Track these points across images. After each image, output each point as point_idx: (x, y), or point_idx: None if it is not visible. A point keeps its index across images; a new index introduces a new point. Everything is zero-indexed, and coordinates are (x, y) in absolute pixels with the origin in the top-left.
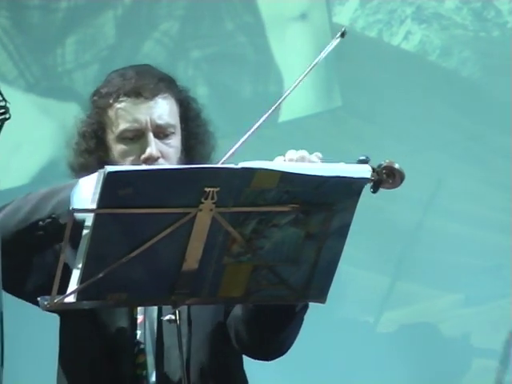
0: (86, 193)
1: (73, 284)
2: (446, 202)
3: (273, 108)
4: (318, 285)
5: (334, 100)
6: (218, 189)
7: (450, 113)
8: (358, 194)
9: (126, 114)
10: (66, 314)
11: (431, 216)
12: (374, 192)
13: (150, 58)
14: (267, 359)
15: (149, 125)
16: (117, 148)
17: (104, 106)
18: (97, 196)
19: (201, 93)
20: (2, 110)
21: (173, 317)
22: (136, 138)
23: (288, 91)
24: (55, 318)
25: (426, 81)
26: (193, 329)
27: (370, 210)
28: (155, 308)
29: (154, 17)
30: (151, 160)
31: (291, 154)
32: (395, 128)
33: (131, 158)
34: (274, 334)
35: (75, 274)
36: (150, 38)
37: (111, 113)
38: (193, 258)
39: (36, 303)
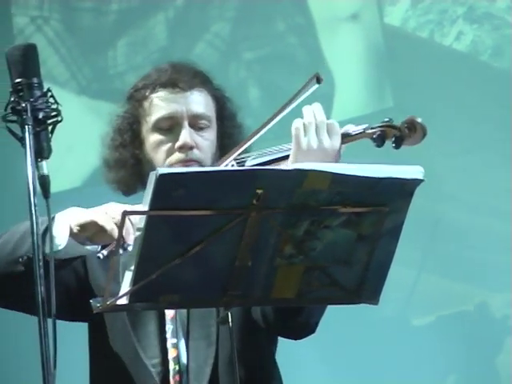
0: (57, 231)
1: (125, 286)
2: (496, 202)
3: (244, 146)
4: (370, 286)
5: (386, 100)
6: (269, 190)
7: (501, 113)
8: (411, 194)
9: (161, 103)
10: (96, 319)
11: (480, 216)
12: (397, 148)
13: (202, 59)
14: (296, 337)
15: (185, 114)
16: (151, 138)
17: (140, 99)
18: (149, 198)
19: (252, 94)
20: (54, 113)
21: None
22: (171, 127)
23: (262, 130)
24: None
25: (478, 81)
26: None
27: (419, 211)
28: None
29: (206, 18)
30: (185, 148)
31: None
32: (446, 128)
33: (165, 148)
34: (299, 308)
35: (127, 276)
36: (202, 40)
37: (146, 104)
38: (245, 260)
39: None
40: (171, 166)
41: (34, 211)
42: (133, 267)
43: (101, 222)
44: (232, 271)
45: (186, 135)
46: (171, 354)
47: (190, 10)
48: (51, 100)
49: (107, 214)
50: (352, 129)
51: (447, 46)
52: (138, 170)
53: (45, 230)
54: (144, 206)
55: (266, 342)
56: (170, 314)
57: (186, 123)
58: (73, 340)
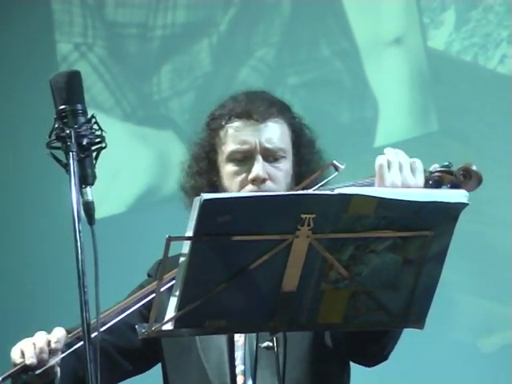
0: None
1: (170, 311)
2: None
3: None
4: (416, 310)
5: (431, 124)
6: (314, 215)
7: None
8: (456, 218)
9: (235, 135)
10: (167, 351)
11: None
12: None
13: (247, 85)
14: (369, 365)
15: (257, 147)
16: (226, 169)
17: (216, 128)
18: (193, 223)
19: None
20: (99, 139)
21: (270, 344)
22: (245, 159)
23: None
24: None
25: None
26: (288, 347)
27: (471, 235)
28: None
29: (250, 44)
30: (258, 181)
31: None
32: (492, 151)
33: (239, 179)
34: (375, 338)
35: (172, 302)
36: (246, 65)
37: (222, 134)
38: (290, 285)
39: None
40: None
41: (78, 238)
42: (177, 292)
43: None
44: (278, 296)
45: (258, 168)
46: (239, 380)
47: (234, 36)
48: (95, 126)
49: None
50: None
51: (491, 69)
52: None
53: None
54: (188, 232)
55: (338, 370)
56: (239, 340)
57: (258, 156)
58: None
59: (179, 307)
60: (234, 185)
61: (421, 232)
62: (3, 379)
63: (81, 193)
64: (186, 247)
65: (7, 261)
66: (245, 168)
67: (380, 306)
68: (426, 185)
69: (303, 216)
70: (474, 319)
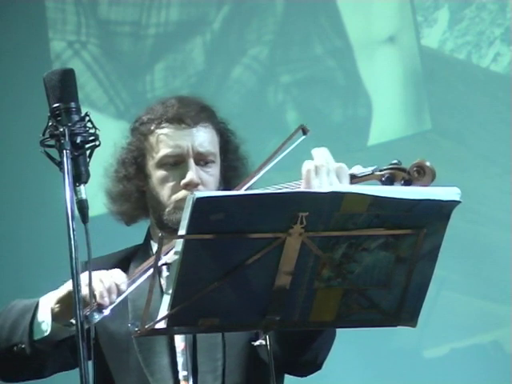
0: (43, 316)
1: (163, 310)
2: None
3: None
4: (409, 308)
5: (424, 123)
6: (307, 213)
7: None
8: (448, 216)
9: (167, 139)
10: (103, 350)
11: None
12: None
13: (240, 83)
14: (303, 374)
15: (190, 151)
16: (157, 174)
17: (145, 133)
18: (186, 222)
19: (290, 117)
20: (92, 137)
21: (263, 342)
22: (177, 163)
23: (255, 177)
24: None
25: None
26: (227, 351)
27: (464, 234)
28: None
29: (243, 42)
30: (191, 186)
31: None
32: (485, 150)
33: (171, 184)
34: (305, 345)
35: (165, 300)
36: (239, 64)
37: (152, 139)
38: (283, 283)
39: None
40: (177, 202)
41: (72, 236)
42: (171, 291)
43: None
44: (271, 294)
45: (192, 173)
46: None
47: (227, 34)
48: (89, 124)
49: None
50: (360, 170)
51: (484, 67)
52: (142, 203)
53: (32, 318)
54: (181, 230)
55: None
56: (180, 346)
57: (191, 160)
58: None
59: (172, 305)
60: (165, 190)
61: (413, 230)
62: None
63: (74, 191)
64: (178, 246)
65: (0, 259)
66: (177, 173)
67: (372, 304)
68: (381, 182)
69: (296, 214)
70: (469, 318)
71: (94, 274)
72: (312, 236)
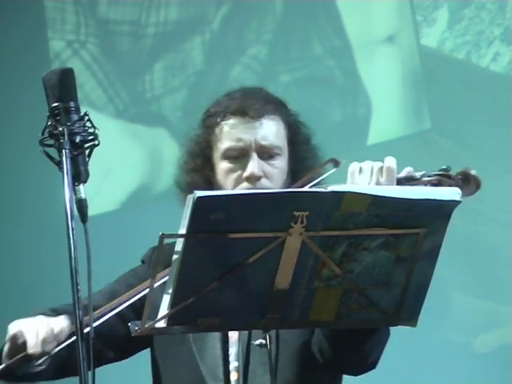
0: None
1: (163, 309)
2: None
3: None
4: (409, 308)
5: (424, 122)
6: (307, 213)
7: None
8: (448, 216)
9: (231, 132)
10: (157, 341)
11: None
12: None
13: (239, 82)
14: (354, 373)
15: (252, 145)
16: (221, 166)
17: (211, 125)
18: (186, 221)
19: None
20: (91, 137)
21: (263, 341)
22: (240, 156)
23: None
24: None
25: None
26: (280, 347)
27: (465, 234)
28: None
29: (242, 41)
30: (253, 178)
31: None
32: (485, 149)
33: (234, 176)
34: (356, 346)
35: (165, 299)
36: (239, 63)
37: (217, 131)
38: (283, 282)
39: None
40: None
41: (71, 235)
42: (170, 290)
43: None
44: (270, 294)
45: (252, 166)
46: (233, 376)
47: (227, 33)
48: (88, 124)
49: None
50: (410, 174)
51: (484, 67)
52: None
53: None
54: (181, 230)
55: (328, 378)
56: (233, 337)
57: (253, 153)
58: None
59: (172, 305)
60: (228, 182)
61: (413, 230)
62: (5, 368)
63: (74, 190)
64: (179, 245)
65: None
66: (240, 165)
67: (372, 304)
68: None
69: (296, 213)
70: (468, 318)
71: (30, 322)
72: (312, 235)
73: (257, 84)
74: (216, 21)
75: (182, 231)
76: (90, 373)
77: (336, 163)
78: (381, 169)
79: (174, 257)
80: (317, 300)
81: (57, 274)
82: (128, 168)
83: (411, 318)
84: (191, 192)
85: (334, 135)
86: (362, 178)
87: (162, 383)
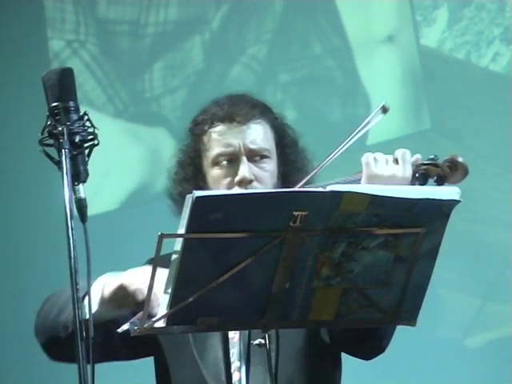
0: (95, 295)
1: (162, 309)
2: None
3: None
4: (408, 307)
5: (423, 122)
6: (306, 212)
7: None
8: (448, 215)
9: (219, 138)
10: (162, 344)
11: None
12: (439, 185)
13: (238, 82)
14: (367, 357)
15: (242, 149)
16: (211, 173)
17: (199, 133)
18: (185, 221)
19: (289, 116)
20: (91, 137)
21: (262, 341)
22: (230, 162)
23: (327, 160)
24: None
25: None
26: (280, 344)
27: (461, 232)
28: None
29: (242, 41)
30: (244, 183)
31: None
32: (485, 149)
33: (225, 182)
34: (371, 332)
35: (165, 299)
36: (238, 63)
37: (206, 139)
38: (282, 282)
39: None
40: None
41: (71, 235)
42: (170, 290)
43: (127, 283)
44: (270, 294)
45: (243, 170)
46: (235, 377)
47: (226, 33)
48: (88, 124)
49: (136, 277)
50: (418, 161)
51: (484, 67)
52: None
53: (84, 296)
54: (180, 229)
55: (330, 366)
56: (233, 337)
57: (243, 158)
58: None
59: (171, 304)
60: (221, 188)
61: (412, 229)
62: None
63: (73, 190)
64: (178, 245)
65: None
66: (230, 171)
67: (372, 304)
68: (413, 178)
69: (295, 213)
70: (468, 318)
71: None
72: (311, 235)
73: (256, 84)
74: (215, 20)
75: (181, 231)
76: (89, 373)
77: (384, 110)
78: (395, 159)
79: (173, 256)
80: (316, 300)
81: (56, 273)
82: (127, 168)
83: (411, 318)
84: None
85: (333, 135)
86: (380, 168)
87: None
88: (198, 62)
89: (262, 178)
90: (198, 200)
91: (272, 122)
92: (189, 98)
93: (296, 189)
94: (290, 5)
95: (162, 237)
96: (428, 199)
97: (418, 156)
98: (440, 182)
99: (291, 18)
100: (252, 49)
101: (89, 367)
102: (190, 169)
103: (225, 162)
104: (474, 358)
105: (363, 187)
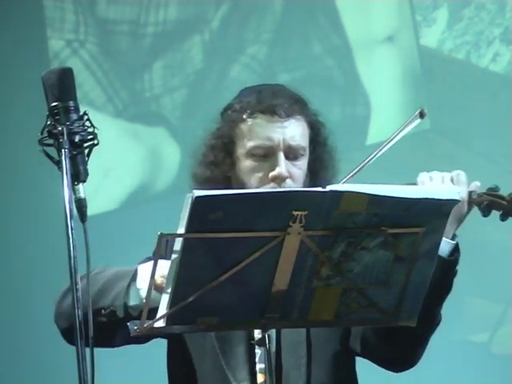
0: (142, 283)
1: (162, 308)
2: None
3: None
4: (408, 307)
5: (422, 122)
6: (306, 212)
7: None
8: (447, 215)
9: (259, 130)
10: (175, 338)
11: None
12: (503, 220)
13: (238, 82)
14: (397, 370)
15: (281, 144)
16: (245, 163)
17: (237, 120)
18: (185, 220)
19: None
20: (91, 136)
21: (260, 336)
22: (267, 155)
23: (366, 163)
24: None
25: None
26: (313, 349)
27: (461, 232)
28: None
29: (241, 41)
30: (280, 179)
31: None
32: (485, 149)
33: (259, 175)
34: (409, 344)
35: (164, 299)
36: (238, 62)
37: (244, 127)
38: (282, 282)
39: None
40: None
41: (70, 235)
42: (169, 290)
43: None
44: (269, 293)
45: (281, 166)
46: (259, 378)
47: (226, 33)
48: (87, 123)
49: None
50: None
51: (483, 67)
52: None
53: (129, 283)
54: (180, 229)
55: (353, 373)
56: (258, 337)
57: (281, 153)
58: (111, 368)
59: (171, 304)
60: (252, 180)
61: (412, 229)
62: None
63: (73, 190)
64: (177, 244)
65: None
66: (266, 164)
67: (371, 303)
68: (479, 208)
69: (295, 213)
70: (468, 318)
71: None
72: (311, 235)
73: (256, 83)
74: (215, 20)
75: (181, 231)
76: (89, 373)
77: (422, 114)
78: (451, 177)
79: (173, 256)
80: (316, 299)
81: (56, 273)
82: (127, 167)
83: (410, 317)
84: (210, 187)
85: (333, 135)
86: (434, 185)
87: (181, 378)
88: (198, 62)
89: (296, 176)
90: (198, 200)
91: (309, 119)
92: (188, 97)
93: (296, 188)
94: (289, 5)
95: (161, 236)
96: (427, 199)
97: (477, 183)
98: (505, 216)
99: (291, 17)
100: (252, 48)
101: (89, 367)
102: (221, 154)
103: (261, 155)
104: (479, 359)
105: (363, 187)
